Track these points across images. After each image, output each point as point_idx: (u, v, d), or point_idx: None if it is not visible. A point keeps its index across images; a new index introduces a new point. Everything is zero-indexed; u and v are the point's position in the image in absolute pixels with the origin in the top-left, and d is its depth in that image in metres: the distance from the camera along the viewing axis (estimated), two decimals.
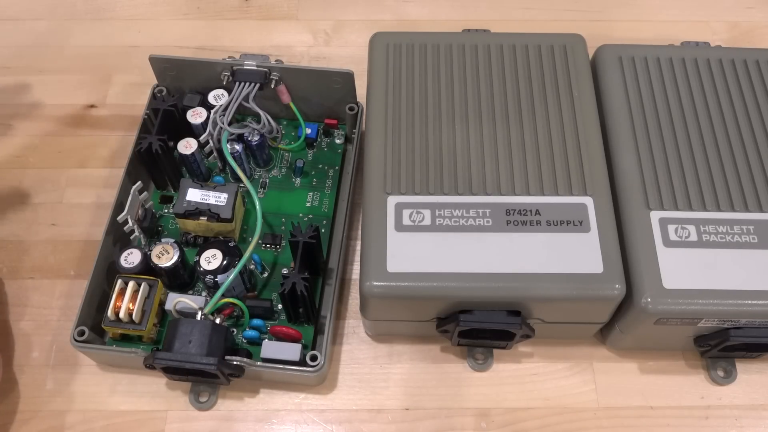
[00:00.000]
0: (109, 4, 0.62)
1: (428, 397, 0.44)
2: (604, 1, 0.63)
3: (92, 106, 0.56)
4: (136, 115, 0.55)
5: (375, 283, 0.39)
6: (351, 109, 0.50)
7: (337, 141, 0.52)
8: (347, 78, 0.48)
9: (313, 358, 0.42)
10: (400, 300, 0.40)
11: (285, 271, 0.45)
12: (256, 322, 0.44)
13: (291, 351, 0.41)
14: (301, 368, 0.41)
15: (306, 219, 0.48)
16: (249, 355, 0.42)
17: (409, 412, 0.44)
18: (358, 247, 0.49)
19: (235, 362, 0.40)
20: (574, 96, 0.45)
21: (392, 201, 0.41)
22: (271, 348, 0.42)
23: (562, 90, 0.45)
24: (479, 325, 0.40)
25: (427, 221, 0.41)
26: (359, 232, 0.49)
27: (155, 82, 0.51)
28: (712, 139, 0.44)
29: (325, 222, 0.48)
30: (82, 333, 0.42)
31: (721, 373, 0.45)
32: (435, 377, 0.45)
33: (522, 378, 0.45)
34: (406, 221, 0.41)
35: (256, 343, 0.43)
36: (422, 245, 0.40)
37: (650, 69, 0.47)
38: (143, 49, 0.59)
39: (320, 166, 0.51)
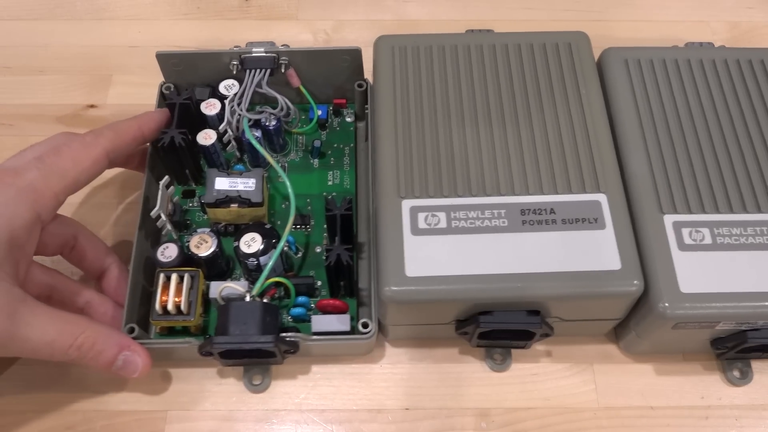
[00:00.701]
0: (109, 4, 0.62)
1: (428, 397, 0.44)
2: (604, 1, 0.63)
3: (92, 106, 0.56)
4: (135, 115, 0.55)
5: (394, 288, 0.39)
6: (360, 86, 0.51)
7: (348, 120, 0.53)
8: (355, 55, 0.49)
9: (365, 325, 0.42)
10: (420, 304, 0.40)
11: (318, 248, 0.46)
12: (301, 299, 0.44)
13: (341, 322, 0.42)
14: (355, 337, 0.42)
15: (331, 197, 0.49)
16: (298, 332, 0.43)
17: (409, 412, 0.44)
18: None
19: (290, 338, 0.41)
20: (582, 94, 0.45)
21: (407, 205, 0.41)
22: (321, 321, 0.43)
23: (569, 88, 0.45)
24: (499, 325, 0.40)
25: (443, 224, 0.41)
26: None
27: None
28: (722, 141, 0.44)
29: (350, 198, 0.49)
30: (132, 330, 0.42)
31: (737, 374, 0.44)
32: (435, 377, 0.45)
33: (522, 378, 0.45)
34: (421, 224, 0.41)
35: (303, 320, 0.44)
36: (439, 248, 0.40)
37: (656, 71, 0.47)
38: (143, 49, 0.59)
39: (335, 145, 0.52)
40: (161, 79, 0.51)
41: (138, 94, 0.56)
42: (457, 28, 0.50)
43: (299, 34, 0.61)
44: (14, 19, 0.61)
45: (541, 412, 0.44)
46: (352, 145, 0.52)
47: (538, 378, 0.45)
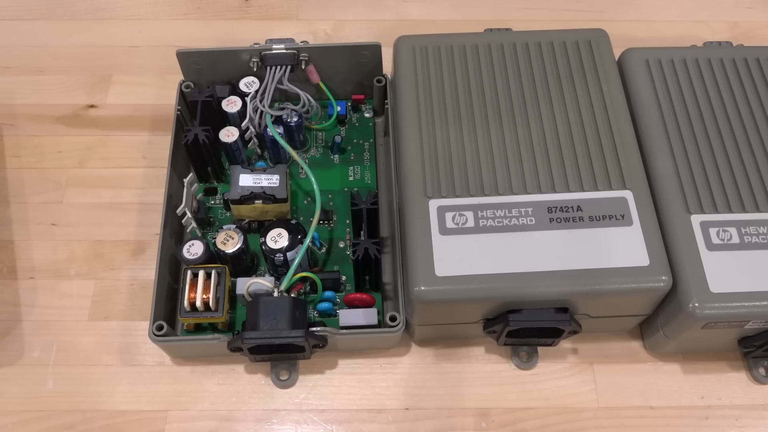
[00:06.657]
0: (109, 4, 0.62)
1: (428, 397, 0.44)
2: (604, 1, 0.63)
3: (92, 106, 0.56)
4: (135, 115, 0.55)
5: (424, 288, 0.39)
6: (379, 81, 0.51)
7: (366, 115, 0.53)
8: (374, 50, 0.49)
9: (393, 318, 0.42)
10: (450, 303, 0.40)
11: (342, 243, 0.46)
12: (328, 294, 0.44)
13: (368, 316, 0.43)
14: (384, 330, 0.42)
15: (356, 192, 0.48)
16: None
17: (409, 412, 0.44)
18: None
19: (319, 332, 0.41)
20: (604, 91, 0.45)
21: (434, 204, 0.41)
22: (348, 316, 0.43)
23: (590, 85, 0.46)
24: (529, 324, 0.40)
25: (471, 223, 0.41)
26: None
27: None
28: (745, 140, 0.44)
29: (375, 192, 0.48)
30: (160, 327, 0.42)
31: (763, 372, 0.45)
32: (435, 377, 0.45)
33: (522, 378, 0.45)
34: (449, 224, 0.41)
35: (329, 315, 0.44)
36: (468, 247, 0.40)
37: (678, 71, 0.47)
38: (143, 49, 0.59)
39: (355, 140, 0.52)
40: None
41: (138, 94, 0.56)
42: (456, 28, 0.50)
43: (299, 34, 0.61)
44: (14, 19, 0.61)
45: (541, 412, 0.44)
46: (371, 140, 0.52)
47: (538, 378, 0.45)
